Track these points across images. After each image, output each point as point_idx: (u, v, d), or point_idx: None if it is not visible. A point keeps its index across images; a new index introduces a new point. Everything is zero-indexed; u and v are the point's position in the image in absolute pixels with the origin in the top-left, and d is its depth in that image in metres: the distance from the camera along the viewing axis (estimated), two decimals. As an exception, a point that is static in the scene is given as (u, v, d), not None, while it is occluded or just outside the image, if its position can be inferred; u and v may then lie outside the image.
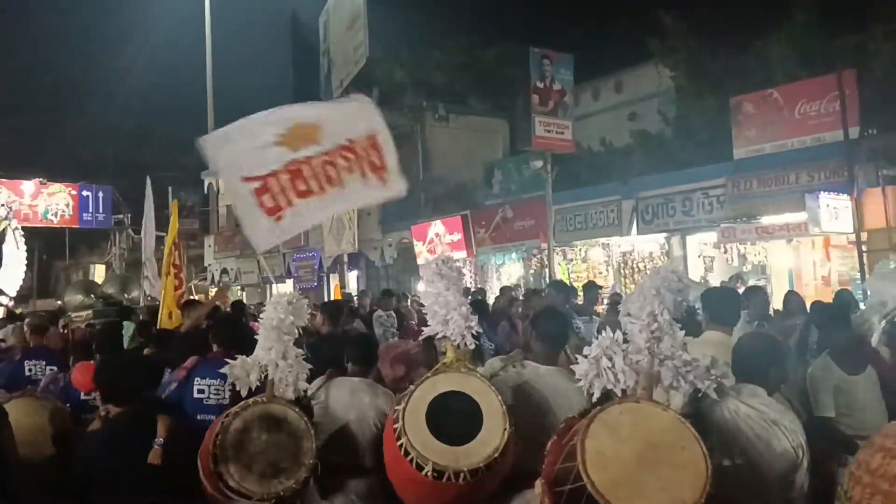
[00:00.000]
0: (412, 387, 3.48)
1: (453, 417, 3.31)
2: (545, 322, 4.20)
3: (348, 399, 4.38)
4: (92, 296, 12.15)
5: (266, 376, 4.10)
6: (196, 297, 11.91)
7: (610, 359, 2.89)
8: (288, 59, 24.56)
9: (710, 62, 17.00)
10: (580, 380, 2.95)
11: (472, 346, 3.84)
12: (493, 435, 3.24)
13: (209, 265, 28.60)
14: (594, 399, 2.89)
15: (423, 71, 23.67)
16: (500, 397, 3.40)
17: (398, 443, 3.26)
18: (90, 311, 11.22)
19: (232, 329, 5.41)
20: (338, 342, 5.29)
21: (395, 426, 3.32)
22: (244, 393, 4.10)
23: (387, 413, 4.42)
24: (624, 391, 2.88)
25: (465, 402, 3.41)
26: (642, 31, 17.86)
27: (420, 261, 18.94)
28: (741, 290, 11.07)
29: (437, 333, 3.86)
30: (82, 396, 4.98)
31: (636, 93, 20.51)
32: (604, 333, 2.97)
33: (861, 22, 14.22)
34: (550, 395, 3.70)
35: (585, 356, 2.93)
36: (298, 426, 3.93)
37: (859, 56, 13.28)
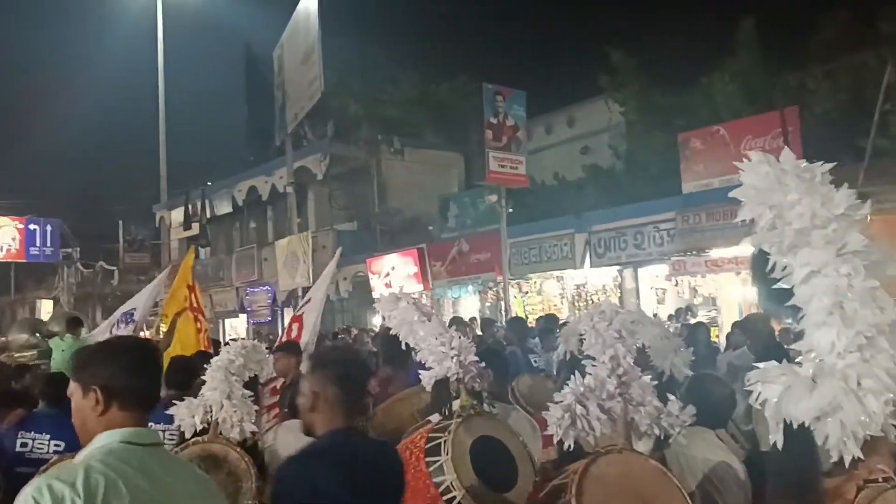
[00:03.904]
0: (445, 434, 3.23)
1: (491, 464, 3.16)
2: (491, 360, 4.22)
3: (294, 442, 4.30)
4: (37, 335, 11.75)
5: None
6: (147, 334, 11.64)
7: (583, 405, 2.75)
8: (242, 92, 24.54)
9: (659, 98, 17.43)
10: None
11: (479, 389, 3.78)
12: (527, 480, 3.15)
13: (161, 299, 28.02)
14: (566, 448, 2.75)
15: (377, 105, 23.80)
16: (522, 439, 3.34)
17: (447, 497, 3.02)
18: (34, 352, 10.87)
19: (188, 373, 5.27)
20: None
21: (441, 479, 3.07)
22: (188, 434, 4.03)
23: None
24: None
25: (497, 447, 3.29)
26: (593, 66, 18.28)
27: (375, 294, 18.84)
28: (691, 322, 11.33)
29: (452, 375, 3.73)
30: (17, 448, 4.72)
31: (588, 127, 20.85)
32: (573, 378, 2.86)
33: (801, 61, 14.74)
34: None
35: (558, 402, 2.79)
36: (238, 466, 3.85)
37: (800, 94, 13.75)
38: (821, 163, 2.12)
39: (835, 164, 2.11)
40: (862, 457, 1.97)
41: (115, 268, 28.79)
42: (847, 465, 1.96)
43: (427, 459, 3.18)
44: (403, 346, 4.23)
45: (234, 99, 27.18)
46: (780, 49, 15.51)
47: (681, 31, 19.65)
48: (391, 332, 4.36)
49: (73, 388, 2.17)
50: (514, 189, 14.25)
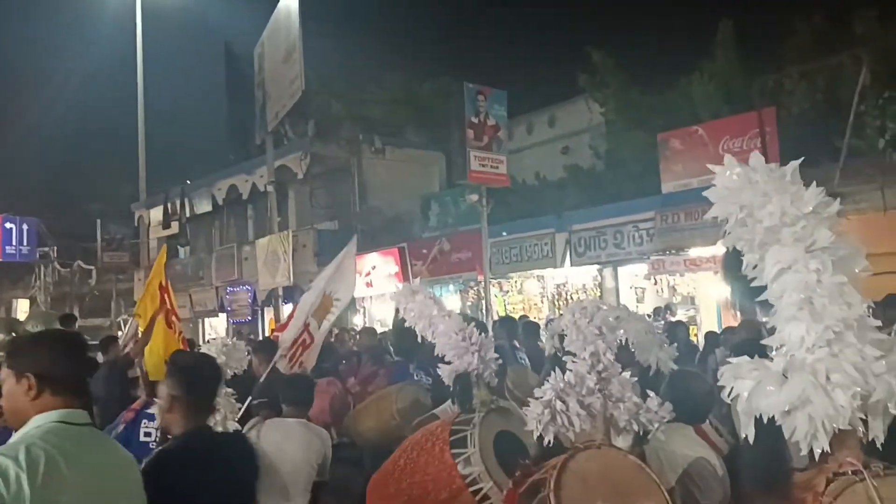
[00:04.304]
0: (469, 428, 3.28)
1: (511, 457, 3.18)
2: None
3: (281, 441, 4.32)
4: (13, 334, 11.66)
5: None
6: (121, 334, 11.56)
7: (563, 401, 2.78)
8: (222, 90, 24.31)
9: (639, 98, 17.54)
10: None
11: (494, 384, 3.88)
12: None
13: (139, 299, 27.86)
14: (546, 443, 2.79)
15: (359, 104, 23.73)
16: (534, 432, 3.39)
17: (474, 488, 3.07)
18: (11, 351, 10.78)
19: None
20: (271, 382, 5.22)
21: (469, 471, 3.12)
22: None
23: (325, 454, 4.38)
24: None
25: (514, 441, 3.34)
26: (574, 66, 18.37)
27: (356, 294, 18.83)
28: (670, 319, 11.45)
29: (473, 369, 3.80)
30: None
31: (569, 127, 20.90)
32: (553, 374, 2.90)
33: (778, 63, 14.90)
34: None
35: (538, 398, 2.83)
36: None
37: (777, 95, 13.90)
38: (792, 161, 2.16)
39: (802, 158, 2.14)
40: (830, 450, 2.01)
41: (92, 267, 28.53)
42: (817, 458, 1.99)
43: (453, 451, 3.20)
44: (419, 339, 4.28)
45: (214, 97, 26.96)
46: (757, 50, 15.68)
47: (660, 31, 19.83)
48: (406, 325, 4.40)
49: (6, 375, 2.32)
50: (495, 188, 14.27)
